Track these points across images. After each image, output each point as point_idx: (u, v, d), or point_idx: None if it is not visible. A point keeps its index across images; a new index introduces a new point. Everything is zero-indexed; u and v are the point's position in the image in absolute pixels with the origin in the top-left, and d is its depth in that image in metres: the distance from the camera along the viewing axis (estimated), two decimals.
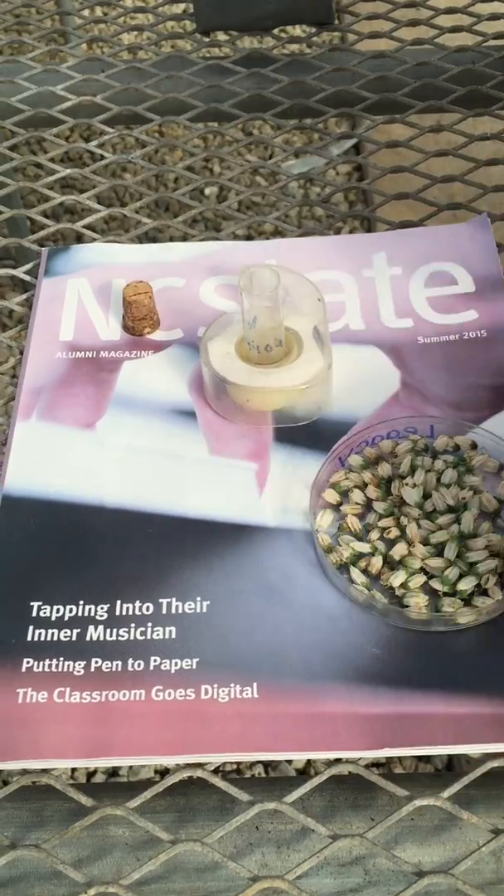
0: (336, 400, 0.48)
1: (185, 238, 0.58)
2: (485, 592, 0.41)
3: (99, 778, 1.01)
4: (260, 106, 0.66)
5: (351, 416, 0.48)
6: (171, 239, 1.43)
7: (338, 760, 0.38)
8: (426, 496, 0.44)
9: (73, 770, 0.98)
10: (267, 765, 1.01)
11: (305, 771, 0.96)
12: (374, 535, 0.43)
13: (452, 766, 0.94)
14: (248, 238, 1.42)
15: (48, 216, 1.52)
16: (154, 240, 1.45)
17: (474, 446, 0.46)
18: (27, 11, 0.78)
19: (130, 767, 1.00)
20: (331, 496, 0.45)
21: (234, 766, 1.00)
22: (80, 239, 0.59)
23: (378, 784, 0.38)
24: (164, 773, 0.35)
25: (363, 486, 0.45)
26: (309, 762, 0.93)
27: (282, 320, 0.47)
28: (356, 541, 0.43)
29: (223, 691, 0.39)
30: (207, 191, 1.49)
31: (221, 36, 0.76)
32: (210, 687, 0.39)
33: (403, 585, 0.41)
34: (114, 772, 1.00)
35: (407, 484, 0.44)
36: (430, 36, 0.70)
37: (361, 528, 0.43)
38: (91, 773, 1.00)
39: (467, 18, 0.72)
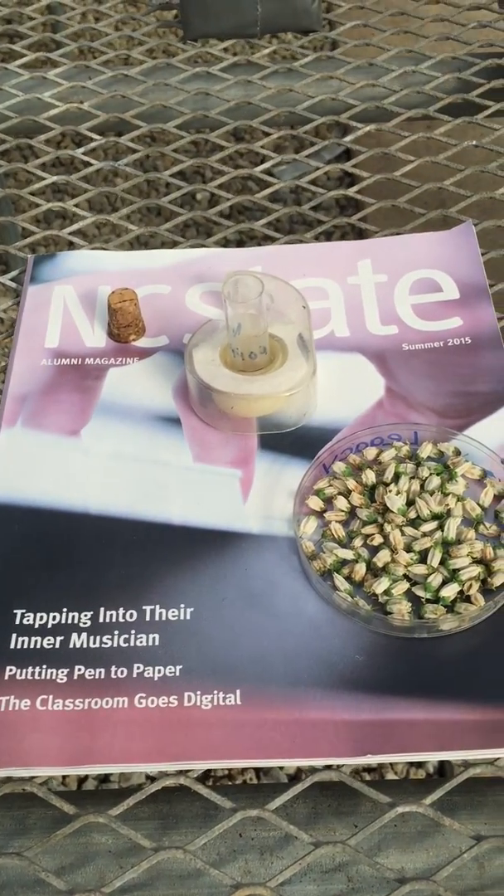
0: (320, 407, 0.48)
1: (175, 244, 0.58)
2: (467, 599, 0.41)
3: (90, 784, 1.01)
4: (247, 113, 0.66)
5: (335, 422, 0.48)
6: (164, 244, 1.43)
7: (323, 767, 0.38)
8: (410, 503, 0.44)
9: (65, 776, 0.98)
10: (258, 769, 1.01)
11: (297, 776, 0.96)
12: (358, 541, 0.43)
13: (444, 771, 0.94)
14: (240, 242, 1.42)
15: (40, 221, 1.52)
16: (146, 244, 1.45)
17: (458, 453, 0.46)
18: (18, 17, 0.78)
19: (121, 773, 1.00)
20: (315, 503, 0.45)
21: (227, 772, 1.00)
22: (71, 245, 0.59)
23: (361, 791, 0.38)
24: (154, 778, 0.35)
25: (347, 493, 0.45)
26: (298, 770, 0.93)
27: (266, 328, 0.47)
28: (340, 548, 0.43)
29: (206, 698, 0.39)
30: (199, 195, 1.49)
31: (211, 43, 0.76)
32: (193, 694, 0.39)
33: (387, 592, 0.41)
34: (105, 777, 0.99)
35: (391, 491, 0.44)
36: (417, 44, 0.70)
37: (345, 534, 0.44)
38: (82, 780, 1.00)
39: (454, 27, 0.72)
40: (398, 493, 0.44)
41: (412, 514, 0.44)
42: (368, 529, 0.43)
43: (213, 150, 0.61)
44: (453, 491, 0.44)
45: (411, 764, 0.99)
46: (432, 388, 0.49)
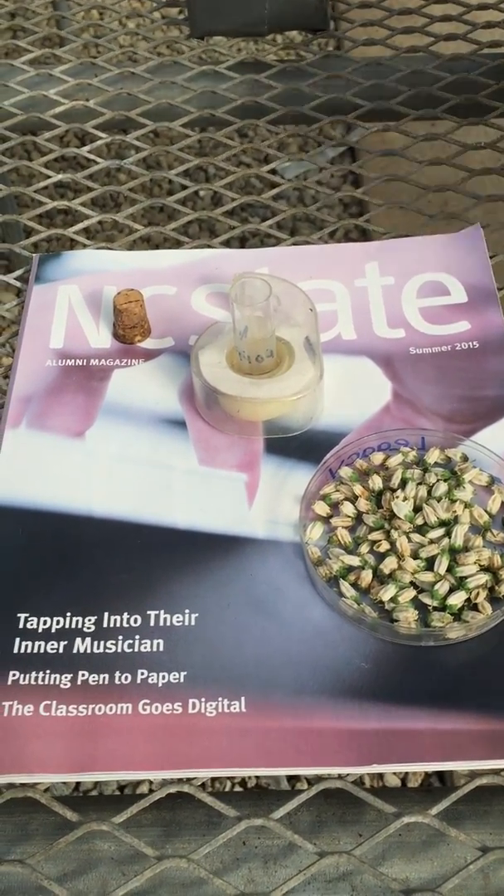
0: (327, 411, 0.48)
1: (179, 243, 0.58)
2: (475, 607, 0.41)
3: (87, 787, 1.00)
4: (253, 112, 0.66)
5: (342, 426, 0.48)
6: (167, 241, 1.42)
7: (325, 776, 0.38)
8: (417, 509, 0.44)
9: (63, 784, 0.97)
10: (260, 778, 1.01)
11: (296, 778, 0.96)
12: (365, 548, 0.43)
13: (444, 777, 0.93)
14: (243, 240, 1.42)
15: (42, 218, 1.52)
16: (149, 241, 1.45)
17: (465, 459, 0.46)
18: (23, 12, 0.78)
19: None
20: (321, 508, 0.44)
21: (228, 787, 1.00)
22: (74, 243, 0.59)
23: (366, 800, 0.38)
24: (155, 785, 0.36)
25: (353, 499, 0.44)
26: (307, 781, 0.93)
27: (273, 331, 0.47)
28: (346, 554, 0.43)
29: (211, 705, 0.39)
30: (203, 193, 1.49)
31: (217, 41, 0.75)
32: (197, 701, 0.39)
33: (393, 599, 0.41)
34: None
35: (398, 497, 0.44)
36: (424, 44, 0.70)
37: (352, 541, 0.43)
38: (84, 794, 1.00)
39: (462, 27, 0.71)
40: (405, 499, 0.44)
41: (419, 521, 0.43)
42: (375, 535, 0.43)
43: (217, 146, 0.61)
44: (461, 497, 0.44)
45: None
46: (439, 393, 0.49)
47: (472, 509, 0.44)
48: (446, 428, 0.47)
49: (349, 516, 0.44)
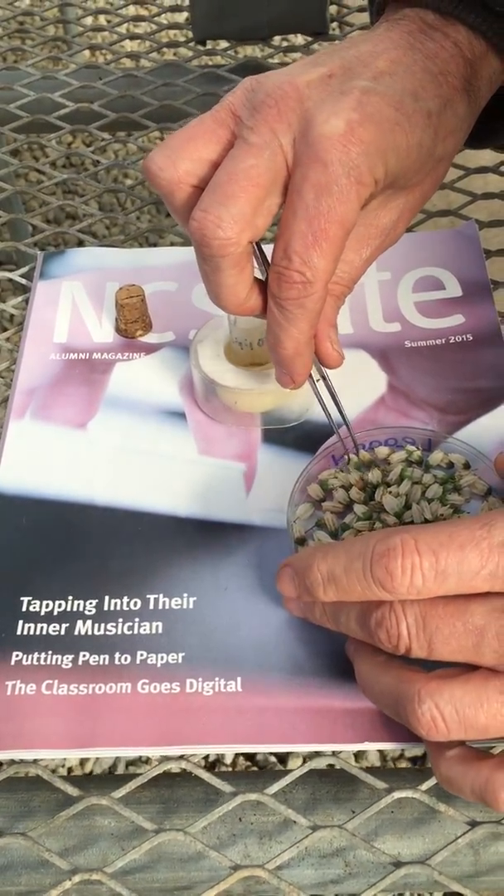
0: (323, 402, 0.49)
1: (184, 242, 0.59)
2: None
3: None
4: None
5: (338, 418, 0.49)
6: (172, 242, 1.44)
7: (318, 753, 0.39)
8: (407, 507, 0.44)
9: (70, 770, 0.99)
10: (262, 766, 1.02)
11: (285, 759, 0.97)
12: (349, 535, 0.44)
13: None
14: None
15: (49, 221, 1.54)
16: (155, 244, 1.46)
17: (467, 466, 0.46)
18: (30, 19, 0.79)
19: (126, 767, 1.01)
20: (315, 491, 0.45)
21: (230, 769, 1.01)
22: (81, 243, 0.60)
23: (359, 777, 0.39)
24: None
25: (348, 487, 0.45)
26: (303, 759, 0.94)
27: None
28: (329, 538, 0.44)
29: (208, 685, 0.40)
30: None
31: (221, 44, 0.77)
32: (195, 680, 0.40)
33: None
34: (109, 772, 1.00)
35: (391, 492, 0.44)
36: None
37: (338, 527, 0.44)
38: (89, 774, 1.01)
39: None
40: (397, 495, 0.44)
41: (407, 518, 0.44)
42: (361, 525, 0.44)
43: None
44: (453, 501, 0.44)
45: (414, 762, 1.00)
46: (434, 385, 0.50)
47: (461, 515, 0.44)
48: (441, 419, 0.48)
49: (341, 503, 0.45)
